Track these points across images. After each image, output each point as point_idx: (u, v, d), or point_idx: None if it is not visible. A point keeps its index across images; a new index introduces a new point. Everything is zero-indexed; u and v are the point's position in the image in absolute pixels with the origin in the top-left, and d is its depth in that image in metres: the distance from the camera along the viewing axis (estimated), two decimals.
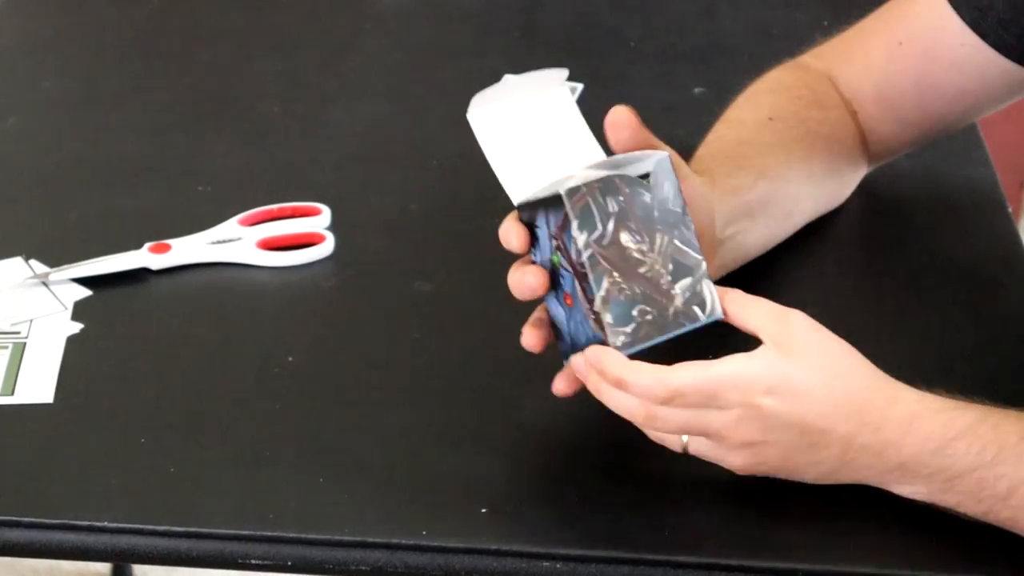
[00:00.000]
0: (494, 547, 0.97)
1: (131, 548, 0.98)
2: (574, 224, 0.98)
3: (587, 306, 0.99)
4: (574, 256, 0.99)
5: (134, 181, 1.31)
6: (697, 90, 1.39)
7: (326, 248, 1.22)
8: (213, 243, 1.21)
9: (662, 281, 0.99)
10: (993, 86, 1.18)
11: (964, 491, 0.96)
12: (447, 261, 1.21)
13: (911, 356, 1.13)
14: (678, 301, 0.99)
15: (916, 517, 0.99)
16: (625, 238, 0.99)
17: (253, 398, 1.08)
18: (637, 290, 0.98)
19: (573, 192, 0.98)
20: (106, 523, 0.98)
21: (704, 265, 0.99)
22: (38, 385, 1.08)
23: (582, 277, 0.98)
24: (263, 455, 1.03)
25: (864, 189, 1.27)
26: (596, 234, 0.98)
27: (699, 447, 0.99)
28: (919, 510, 0.99)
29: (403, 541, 0.97)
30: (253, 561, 0.98)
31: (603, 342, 0.98)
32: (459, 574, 0.97)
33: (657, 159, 1.00)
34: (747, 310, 0.99)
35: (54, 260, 1.19)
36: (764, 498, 1.01)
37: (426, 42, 1.55)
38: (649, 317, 0.98)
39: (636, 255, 0.99)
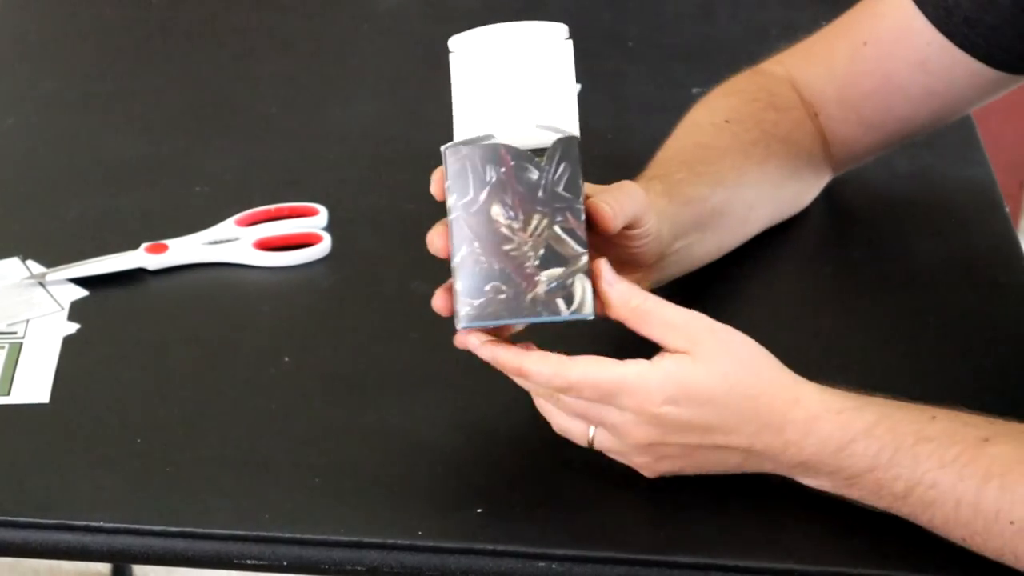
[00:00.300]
0: (490, 547, 0.97)
1: (129, 548, 0.98)
2: (447, 184, 0.96)
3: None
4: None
5: (131, 181, 1.31)
6: (695, 90, 1.39)
7: (323, 248, 1.22)
8: (210, 243, 1.21)
9: (527, 264, 0.96)
10: (960, 87, 1.17)
11: (865, 489, 0.96)
12: (444, 261, 1.21)
13: (909, 356, 1.13)
14: (540, 288, 0.96)
15: None
16: (496, 211, 0.96)
17: (250, 398, 1.08)
18: (496, 266, 0.96)
19: (455, 151, 0.96)
20: (103, 523, 0.98)
21: (585, 259, 0.96)
22: (34, 385, 1.08)
23: (449, 237, 0.97)
24: (259, 455, 1.03)
25: (862, 189, 1.27)
26: (466, 199, 0.96)
27: (603, 441, 0.98)
28: None
29: (399, 541, 0.97)
30: (250, 561, 0.98)
31: None
32: (455, 574, 0.97)
33: (561, 137, 0.97)
34: (650, 317, 0.97)
35: (51, 260, 1.19)
36: (764, 498, 1.01)
37: (426, 42, 1.55)
38: (502, 296, 0.96)
39: (504, 230, 0.96)
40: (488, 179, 0.96)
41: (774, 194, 1.20)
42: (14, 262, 1.19)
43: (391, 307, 1.17)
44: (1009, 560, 0.94)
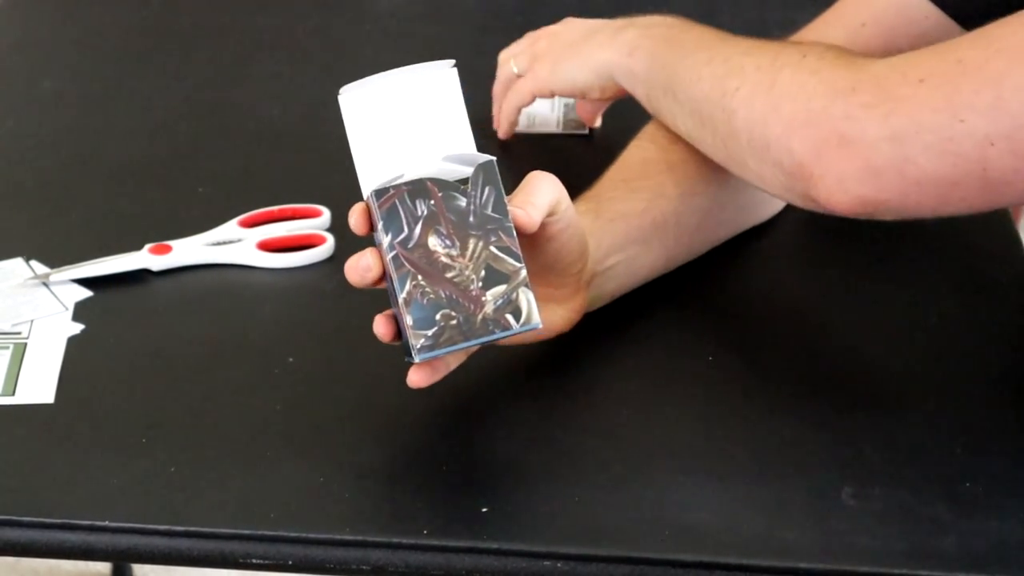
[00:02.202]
0: (495, 546, 0.97)
1: (131, 548, 0.98)
2: (379, 225, 0.99)
3: (394, 305, 1.00)
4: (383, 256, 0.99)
5: (135, 182, 1.31)
6: None
7: (326, 249, 1.22)
8: (213, 244, 1.21)
9: (472, 287, 0.99)
10: None
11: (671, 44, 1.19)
12: None
13: (909, 356, 1.13)
14: (488, 308, 0.99)
15: (916, 517, 0.99)
16: (433, 242, 0.99)
17: (253, 398, 1.08)
18: (443, 294, 0.99)
19: (380, 193, 0.99)
20: (106, 523, 0.98)
21: (523, 273, 0.99)
22: (39, 385, 1.08)
23: (389, 277, 0.99)
24: (263, 455, 1.03)
25: None
26: (401, 236, 0.99)
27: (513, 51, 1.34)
28: (919, 510, 0.99)
29: (404, 540, 0.97)
30: (254, 560, 0.98)
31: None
32: (460, 573, 0.97)
33: (481, 163, 1.00)
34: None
35: (55, 261, 1.19)
36: (764, 498, 1.01)
37: (425, 42, 1.55)
38: (454, 322, 0.98)
39: (444, 259, 0.99)
40: (420, 213, 0.99)
41: (736, 199, 1.20)
42: (18, 262, 1.19)
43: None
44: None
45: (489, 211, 0.99)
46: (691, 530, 0.99)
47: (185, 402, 1.07)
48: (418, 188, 0.99)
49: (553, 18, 1.33)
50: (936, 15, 1.15)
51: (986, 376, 1.11)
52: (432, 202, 0.99)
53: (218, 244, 1.21)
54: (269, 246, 1.21)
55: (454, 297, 0.99)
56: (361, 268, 1.00)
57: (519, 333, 0.99)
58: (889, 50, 1.17)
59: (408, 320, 0.98)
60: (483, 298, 0.99)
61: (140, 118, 1.41)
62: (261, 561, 0.98)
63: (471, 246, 0.99)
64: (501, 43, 1.38)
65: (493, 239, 0.99)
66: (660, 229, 1.15)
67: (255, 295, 1.19)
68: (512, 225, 0.99)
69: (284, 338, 1.13)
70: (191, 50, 1.53)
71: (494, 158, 1.00)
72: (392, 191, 0.99)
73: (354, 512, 0.99)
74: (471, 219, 0.99)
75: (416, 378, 1.01)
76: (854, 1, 1.20)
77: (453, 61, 1.03)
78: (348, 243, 1.22)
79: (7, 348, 1.11)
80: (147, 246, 1.20)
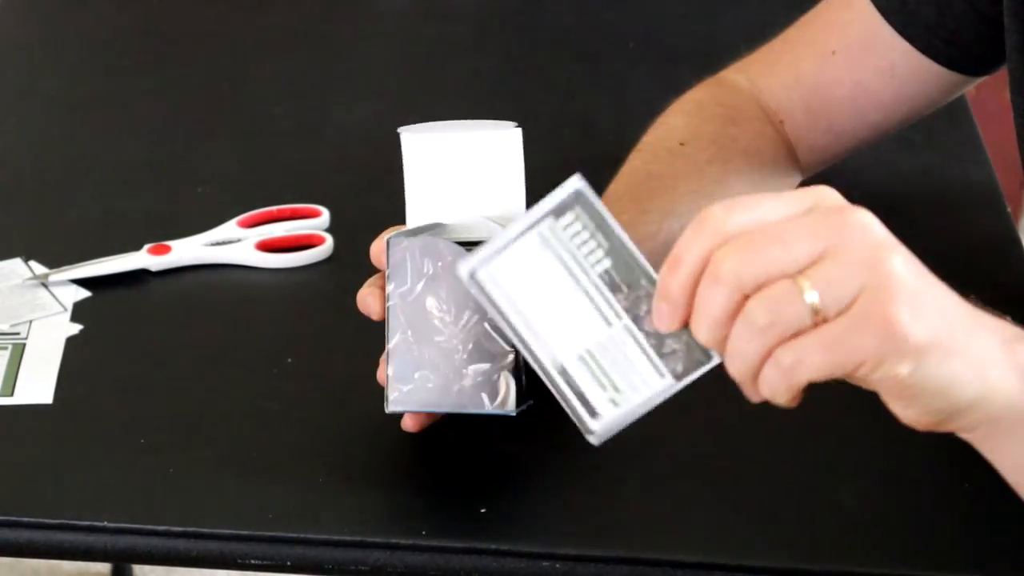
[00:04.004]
0: (493, 547, 0.97)
1: (131, 548, 0.98)
2: (388, 271, 0.99)
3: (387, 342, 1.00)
4: None
5: (134, 182, 1.31)
6: None
7: (325, 249, 1.22)
8: (212, 244, 1.21)
9: (456, 356, 0.99)
10: (927, 91, 1.18)
11: None
12: None
13: None
14: (466, 381, 0.99)
15: (917, 517, 0.99)
16: (431, 303, 0.99)
17: (252, 399, 1.08)
18: (426, 356, 0.99)
19: (395, 242, 0.99)
20: (106, 523, 0.98)
21: (511, 358, 0.98)
22: (37, 386, 1.08)
23: (386, 322, 1.00)
24: (262, 455, 1.03)
25: (862, 189, 1.27)
26: (403, 289, 0.99)
27: (827, 275, 0.74)
28: (919, 510, 0.99)
29: (402, 541, 0.97)
30: (252, 561, 0.98)
31: None
32: (459, 574, 0.97)
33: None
34: None
35: (53, 261, 1.19)
36: (764, 498, 1.01)
37: (426, 42, 1.55)
38: (430, 385, 0.99)
39: (436, 323, 0.99)
40: (425, 271, 0.99)
41: None
42: (17, 263, 1.19)
43: None
44: None
45: None
46: (690, 530, 0.99)
47: (184, 402, 1.07)
48: (430, 247, 0.99)
49: (553, 18, 1.31)
50: (903, 47, 1.16)
51: None
52: (440, 264, 0.99)
53: (217, 244, 1.21)
54: (268, 246, 1.21)
55: (436, 361, 0.99)
56: (365, 307, 1.01)
57: (490, 414, 0.99)
58: (857, 80, 1.17)
59: (389, 370, 0.99)
60: (464, 370, 0.99)
61: (140, 118, 1.41)
62: (260, 561, 0.98)
63: (465, 317, 0.99)
64: (501, 43, 1.38)
65: (489, 317, 0.98)
66: (669, 247, 1.14)
67: (254, 295, 1.19)
68: None
69: (283, 338, 1.13)
70: (191, 50, 1.53)
71: None
72: (406, 242, 0.99)
73: (353, 513, 0.99)
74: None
75: (408, 423, 1.02)
76: (823, 25, 1.20)
77: (516, 124, 1.02)
78: (347, 243, 1.22)
79: (6, 348, 1.11)
80: (146, 246, 1.20)
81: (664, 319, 0.78)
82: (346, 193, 1.29)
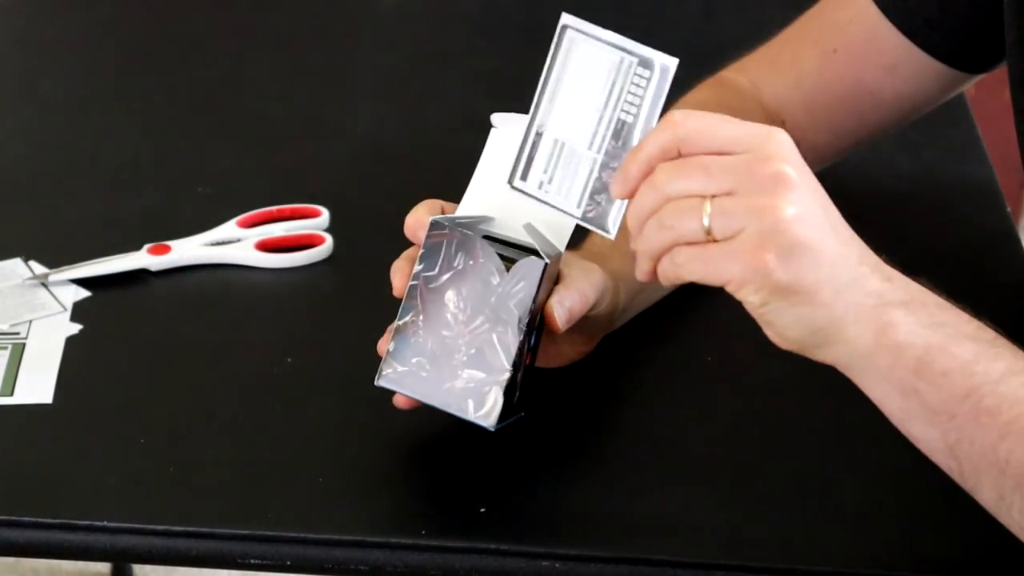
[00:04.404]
0: (493, 546, 0.97)
1: (131, 548, 0.98)
2: (421, 251, 1.00)
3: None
4: None
5: (133, 182, 1.31)
6: None
7: (325, 249, 1.22)
8: (212, 244, 1.21)
9: (456, 356, 0.99)
10: (927, 88, 1.19)
11: (956, 360, 0.90)
12: None
13: None
14: (458, 384, 0.99)
15: (917, 517, 0.99)
16: (450, 296, 1.00)
17: (252, 398, 1.08)
18: (429, 345, 0.99)
19: (436, 225, 1.00)
20: (106, 523, 0.98)
21: (506, 376, 0.98)
22: (37, 386, 1.08)
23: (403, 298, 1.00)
24: (262, 455, 1.03)
25: (863, 189, 1.27)
26: (430, 273, 1.00)
27: (723, 205, 0.88)
28: (919, 511, 0.99)
29: (402, 540, 0.97)
30: (252, 560, 0.98)
31: None
32: (458, 573, 0.97)
33: (527, 261, 0.99)
34: None
35: (53, 261, 1.19)
36: (765, 498, 1.01)
37: (426, 43, 1.55)
38: (423, 374, 0.99)
39: (449, 317, 0.99)
40: (455, 265, 1.00)
41: None
42: (16, 263, 1.19)
43: (393, 308, 1.16)
44: None
45: (511, 304, 0.99)
46: (690, 530, 0.99)
47: (184, 402, 1.07)
48: (467, 243, 0.99)
49: (552, 19, 1.32)
50: (904, 44, 1.16)
51: None
52: (471, 262, 0.99)
53: (217, 244, 1.21)
54: (268, 246, 1.21)
55: (436, 355, 0.99)
56: (393, 278, 1.02)
57: (470, 421, 0.99)
58: (858, 78, 1.17)
59: (390, 345, 1.00)
60: (459, 372, 0.99)
61: (139, 118, 1.41)
62: (260, 561, 0.98)
63: (477, 321, 0.99)
64: (501, 44, 1.38)
65: (499, 329, 0.99)
66: None
67: (254, 295, 1.19)
68: (524, 329, 0.99)
69: (283, 338, 1.13)
70: (191, 50, 1.53)
71: (547, 263, 0.99)
72: (447, 229, 0.99)
73: (352, 512, 0.99)
74: (492, 299, 0.99)
75: (400, 400, 1.02)
76: (824, 24, 1.20)
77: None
78: (347, 243, 1.22)
79: (5, 348, 1.11)
80: (146, 246, 1.20)
81: (616, 187, 0.93)
82: (346, 193, 1.29)
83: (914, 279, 0.93)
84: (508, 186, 0.97)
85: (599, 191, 0.95)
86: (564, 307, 1.01)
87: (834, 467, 1.04)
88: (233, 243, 1.22)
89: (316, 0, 1.63)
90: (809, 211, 0.88)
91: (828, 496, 1.01)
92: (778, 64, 1.22)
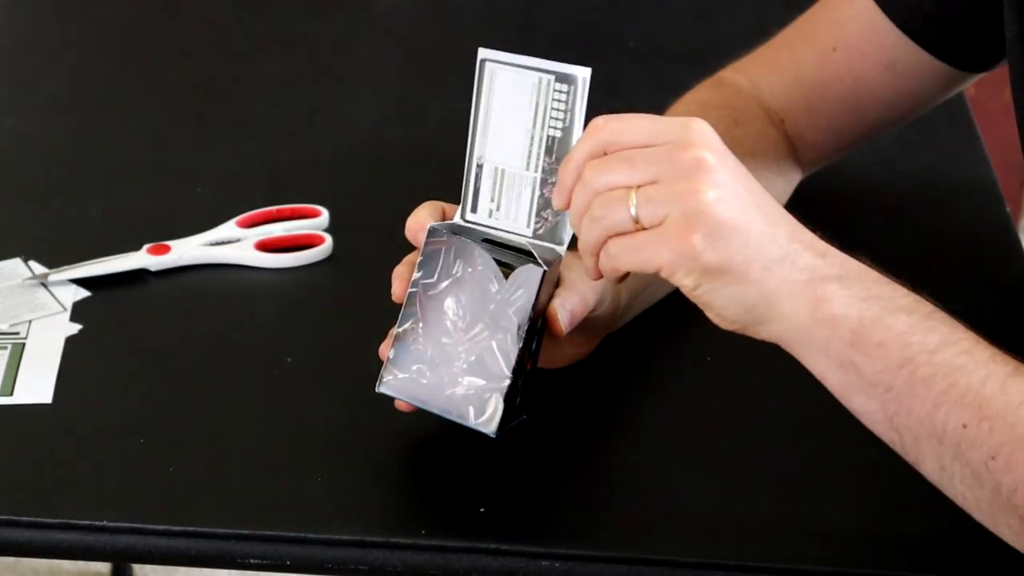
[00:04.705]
0: (493, 546, 0.97)
1: (131, 547, 0.98)
2: (419, 259, 1.00)
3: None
4: None
5: (133, 182, 1.31)
6: None
7: (325, 249, 1.22)
8: (212, 244, 1.21)
9: (456, 363, 0.99)
10: (926, 87, 1.18)
11: (889, 332, 0.91)
12: None
13: None
14: (458, 391, 0.99)
15: (915, 518, 0.99)
16: (449, 303, 1.00)
17: (252, 398, 1.08)
18: (429, 352, 1.00)
19: (434, 232, 1.00)
20: (106, 523, 0.98)
21: (507, 383, 0.98)
22: (37, 385, 1.08)
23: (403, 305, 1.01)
24: (262, 455, 1.03)
25: (862, 188, 1.27)
26: (428, 280, 1.00)
27: (647, 192, 0.91)
28: (919, 511, 0.99)
29: (402, 540, 0.97)
30: (252, 560, 0.98)
31: None
32: (458, 573, 0.97)
33: (526, 268, 0.99)
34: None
35: (53, 261, 1.19)
36: (764, 499, 1.01)
37: (425, 42, 1.55)
38: (424, 381, 1.00)
39: (448, 324, 1.00)
40: (454, 272, 1.00)
41: None
42: (16, 263, 1.19)
43: (393, 308, 1.17)
44: (1000, 463, 0.89)
45: (510, 312, 0.99)
46: (690, 530, 0.99)
47: (183, 402, 1.07)
48: (466, 250, 1.00)
49: (552, 18, 1.32)
50: (904, 42, 1.16)
51: None
52: (470, 269, 0.99)
53: (216, 244, 1.21)
54: (267, 246, 1.21)
55: (437, 361, 0.99)
56: (394, 285, 1.03)
57: (470, 428, 0.99)
58: (858, 76, 1.17)
59: (390, 352, 1.00)
60: (460, 379, 0.99)
61: (139, 118, 1.41)
62: (259, 561, 0.98)
63: (476, 329, 0.99)
64: (501, 43, 1.37)
65: (499, 337, 0.99)
66: None
67: (254, 295, 1.19)
68: (523, 336, 0.99)
69: (283, 338, 1.13)
70: (191, 50, 1.53)
71: (545, 269, 0.99)
72: (446, 236, 1.00)
73: (352, 512, 0.99)
74: (491, 307, 0.99)
75: (402, 404, 1.02)
76: (823, 23, 1.20)
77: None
78: (346, 243, 1.22)
79: (5, 348, 1.11)
80: (145, 246, 1.20)
81: (556, 199, 0.96)
82: (346, 193, 1.29)
83: (854, 256, 0.95)
84: (461, 220, 1.01)
85: (544, 207, 0.99)
86: (566, 310, 1.01)
87: (834, 467, 1.04)
88: (233, 243, 1.22)
89: (316, 0, 1.63)
90: (731, 192, 0.91)
91: (827, 496, 1.01)
92: (777, 63, 1.22)
